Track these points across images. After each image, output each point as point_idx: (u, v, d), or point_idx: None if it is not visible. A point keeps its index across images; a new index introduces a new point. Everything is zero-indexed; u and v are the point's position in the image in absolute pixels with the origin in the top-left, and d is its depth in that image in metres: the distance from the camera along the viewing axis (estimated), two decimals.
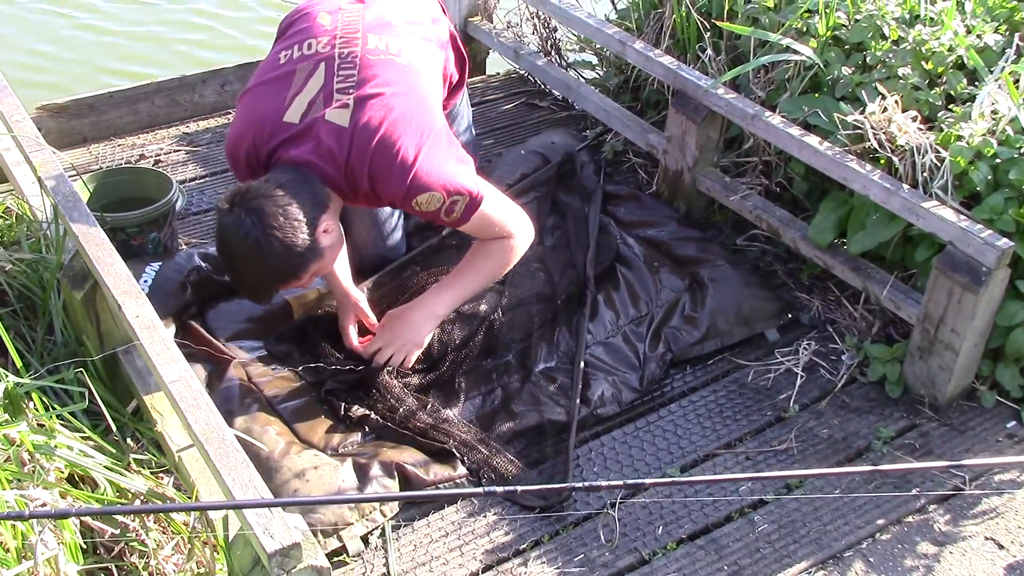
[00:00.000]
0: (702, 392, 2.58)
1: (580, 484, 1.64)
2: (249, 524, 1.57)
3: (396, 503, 2.20)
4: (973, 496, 2.30)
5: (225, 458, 1.68)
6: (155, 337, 1.91)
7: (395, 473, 2.21)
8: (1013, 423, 2.50)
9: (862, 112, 2.63)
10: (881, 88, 2.65)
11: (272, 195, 2.08)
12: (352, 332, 2.50)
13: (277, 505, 1.58)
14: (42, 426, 1.97)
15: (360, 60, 2.24)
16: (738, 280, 2.78)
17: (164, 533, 1.99)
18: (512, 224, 2.40)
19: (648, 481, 1.59)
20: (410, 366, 2.45)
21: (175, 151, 3.38)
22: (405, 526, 2.20)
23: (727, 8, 3.13)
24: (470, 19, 3.83)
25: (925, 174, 2.51)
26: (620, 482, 1.66)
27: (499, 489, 1.61)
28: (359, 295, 2.55)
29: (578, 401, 2.44)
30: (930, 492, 2.30)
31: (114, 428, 2.11)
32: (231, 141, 2.31)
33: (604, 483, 1.64)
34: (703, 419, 2.50)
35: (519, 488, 1.62)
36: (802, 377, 2.60)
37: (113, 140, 3.40)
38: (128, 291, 2.01)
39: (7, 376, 1.93)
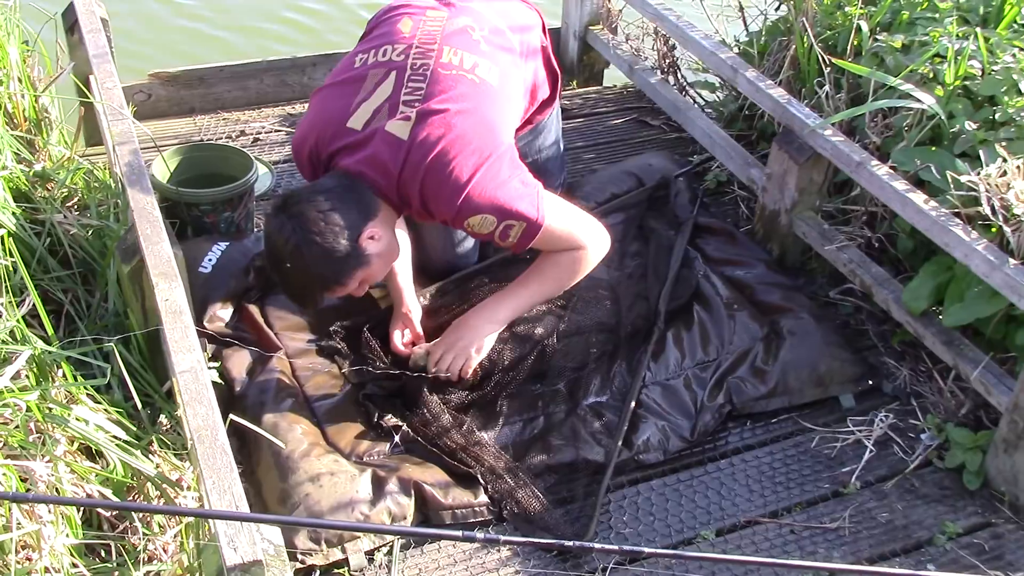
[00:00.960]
0: (758, 452, 2.41)
1: (570, 543, 1.52)
2: (216, 533, 1.52)
3: (410, 519, 2.13)
4: None
5: (212, 459, 1.64)
6: (178, 323, 1.89)
7: (412, 491, 2.14)
8: None
9: (978, 173, 2.40)
10: (1001, 150, 2.41)
11: (314, 200, 2.08)
12: (397, 337, 2.44)
13: (249, 519, 1.52)
14: (69, 396, 1.99)
15: (432, 73, 2.18)
16: (819, 336, 2.58)
17: (171, 518, 1.98)
18: (583, 236, 2.33)
19: (647, 550, 1.46)
20: (468, 375, 2.38)
21: (276, 131, 3.40)
22: (415, 547, 2.12)
23: (853, 43, 2.93)
24: (591, 27, 3.73)
25: None
26: (615, 547, 1.54)
27: (479, 535, 1.52)
28: (414, 307, 2.50)
29: (620, 443, 2.31)
30: None
31: (139, 405, 2.10)
32: (297, 138, 2.31)
33: (597, 545, 1.52)
34: (752, 481, 2.33)
35: (502, 538, 1.52)
36: (872, 451, 2.40)
37: (219, 113, 3.45)
38: (165, 273, 2.01)
39: (35, 343, 1.94)
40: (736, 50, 3.41)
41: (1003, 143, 2.46)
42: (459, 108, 2.15)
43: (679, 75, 3.65)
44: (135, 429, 2.08)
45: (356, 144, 2.16)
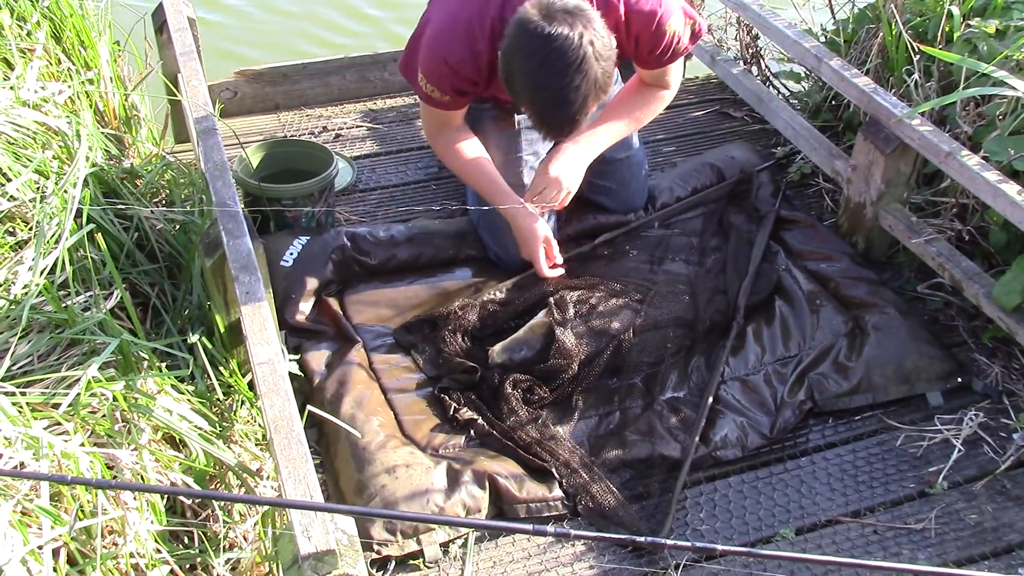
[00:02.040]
0: (839, 450, 2.35)
1: (641, 538, 1.50)
2: (291, 523, 1.54)
3: (484, 512, 2.13)
4: None
5: (287, 449, 1.67)
6: (256, 315, 1.93)
7: (486, 484, 2.14)
8: None
9: None
10: None
11: (580, 4, 2.13)
12: (543, 259, 2.56)
13: (323, 509, 1.54)
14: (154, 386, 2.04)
15: None
16: (905, 332, 2.51)
17: (251, 507, 2.02)
18: (677, 77, 2.62)
19: (720, 547, 1.43)
20: (565, 204, 2.57)
21: (357, 126, 3.44)
22: (489, 540, 2.13)
23: (944, 30, 2.83)
24: None
25: None
26: (688, 543, 1.52)
27: (549, 529, 1.51)
28: (543, 225, 2.58)
29: (697, 439, 2.28)
30: None
31: (221, 396, 2.15)
32: (441, 22, 2.35)
33: (669, 542, 1.50)
34: (834, 480, 2.27)
35: (572, 532, 1.51)
36: (960, 451, 2.32)
37: (303, 110, 3.50)
38: (245, 266, 2.05)
39: (122, 334, 2.00)
40: (822, 39, 3.33)
41: None
42: None
43: (762, 65, 3.58)
44: (217, 419, 2.12)
45: None
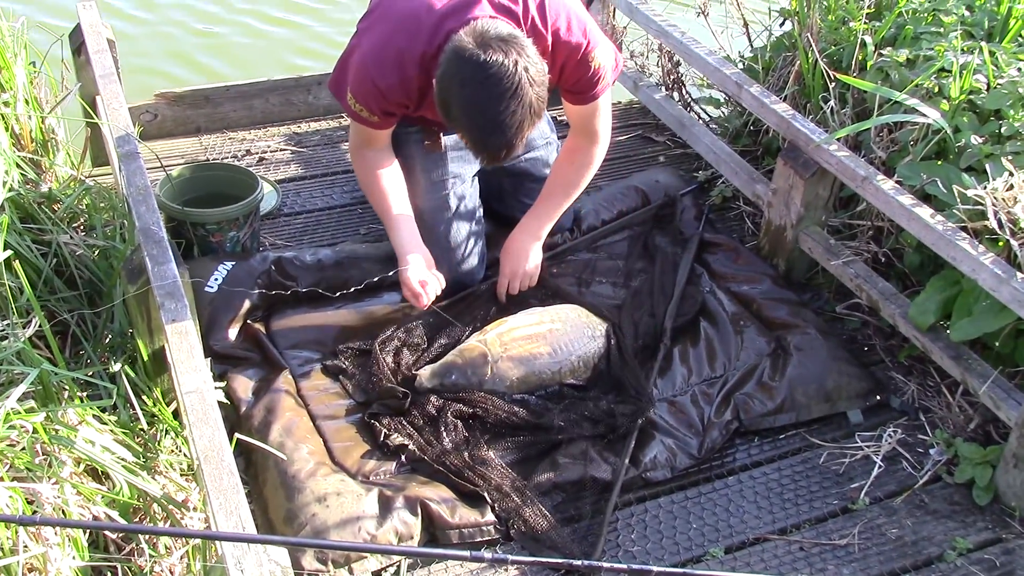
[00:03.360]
0: (766, 468, 2.39)
1: (578, 562, 1.51)
2: (223, 555, 1.51)
3: (417, 539, 2.12)
4: None
5: (218, 480, 1.63)
6: (183, 343, 1.89)
7: (419, 510, 2.13)
8: None
9: (985, 187, 2.39)
10: (1008, 164, 2.40)
11: (513, 31, 2.15)
12: (433, 289, 2.51)
13: (256, 541, 1.52)
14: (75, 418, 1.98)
15: None
16: (826, 352, 2.58)
17: (178, 539, 1.98)
18: (607, 125, 2.61)
19: (655, 568, 1.45)
20: (533, 284, 2.71)
21: (281, 150, 3.41)
22: (422, 567, 2.11)
23: (858, 58, 2.93)
24: None
25: None
26: (624, 565, 1.53)
27: (487, 555, 1.51)
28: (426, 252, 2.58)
29: (627, 461, 2.30)
30: None
31: (146, 426, 2.10)
32: (371, 46, 2.34)
33: (605, 564, 1.51)
34: (761, 498, 2.32)
35: (510, 557, 1.51)
36: (880, 467, 2.39)
37: (225, 133, 3.46)
38: (170, 293, 2.01)
39: (42, 364, 1.94)
40: (741, 66, 3.41)
41: (1009, 157, 2.46)
42: None
43: (684, 91, 3.66)
44: (141, 450, 2.07)
45: (459, 7, 2.22)
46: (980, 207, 2.38)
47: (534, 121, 2.17)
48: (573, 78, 2.44)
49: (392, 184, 2.58)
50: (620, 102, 3.87)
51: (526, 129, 2.17)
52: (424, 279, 2.49)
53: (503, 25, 2.18)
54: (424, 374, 2.42)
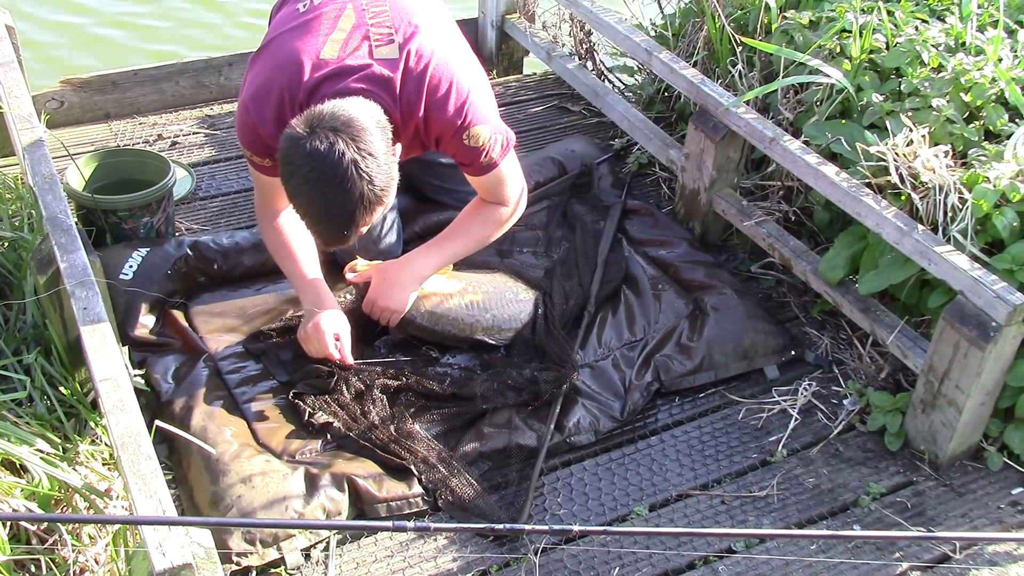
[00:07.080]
0: (687, 427, 2.45)
1: (501, 526, 1.54)
2: (144, 540, 1.51)
3: (345, 514, 2.13)
4: (962, 567, 2.14)
5: (136, 466, 1.63)
6: (96, 331, 1.87)
7: (345, 486, 2.14)
8: (1020, 489, 2.32)
9: (886, 143, 2.47)
10: (907, 120, 2.47)
11: (352, 117, 1.99)
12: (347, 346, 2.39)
13: (175, 523, 1.52)
14: None
15: None
16: (742, 311, 2.64)
17: (101, 528, 1.96)
18: (515, 193, 2.45)
19: (576, 528, 1.49)
20: (393, 325, 2.48)
21: (194, 133, 3.36)
22: (351, 542, 2.13)
23: (763, 22, 2.98)
24: (508, 16, 3.74)
25: (948, 215, 2.35)
26: (545, 527, 1.56)
27: (409, 525, 1.54)
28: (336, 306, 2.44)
29: (552, 427, 2.34)
30: (915, 559, 2.14)
31: (63, 417, 2.08)
32: (254, 89, 2.20)
33: (528, 527, 1.54)
34: (683, 456, 2.37)
35: (432, 525, 1.54)
36: (797, 420, 2.46)
37: (135, 118, 3.40)
38: (82, 282, 1.98)
39: None
40: (652, 33, 3.45)
41: (908, 113, 2.53)
42: (430, 26, 2.24)
43: (597, 60, 3.69)
44: (60, 441, 2.05)
45: (341, 72, 2.13)
46: (883, 163, 2.46)
47: (370, 210, 2.03)
48: (451, 150, 2.31)
49: (302, 248, 2.44)
50: (535, 73, 3.89)
51: (360, 219, 2.04)
52: (339, 332, 2.37)
53: (347, 109, 2.02)
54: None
